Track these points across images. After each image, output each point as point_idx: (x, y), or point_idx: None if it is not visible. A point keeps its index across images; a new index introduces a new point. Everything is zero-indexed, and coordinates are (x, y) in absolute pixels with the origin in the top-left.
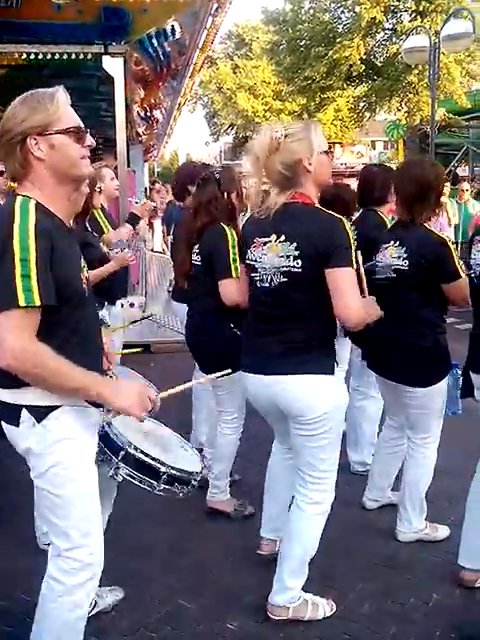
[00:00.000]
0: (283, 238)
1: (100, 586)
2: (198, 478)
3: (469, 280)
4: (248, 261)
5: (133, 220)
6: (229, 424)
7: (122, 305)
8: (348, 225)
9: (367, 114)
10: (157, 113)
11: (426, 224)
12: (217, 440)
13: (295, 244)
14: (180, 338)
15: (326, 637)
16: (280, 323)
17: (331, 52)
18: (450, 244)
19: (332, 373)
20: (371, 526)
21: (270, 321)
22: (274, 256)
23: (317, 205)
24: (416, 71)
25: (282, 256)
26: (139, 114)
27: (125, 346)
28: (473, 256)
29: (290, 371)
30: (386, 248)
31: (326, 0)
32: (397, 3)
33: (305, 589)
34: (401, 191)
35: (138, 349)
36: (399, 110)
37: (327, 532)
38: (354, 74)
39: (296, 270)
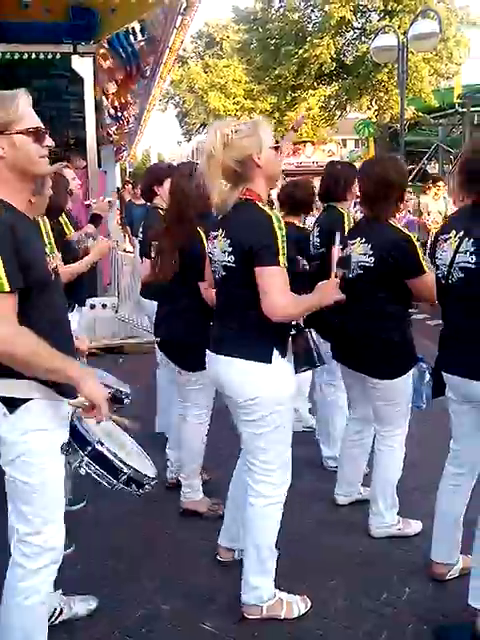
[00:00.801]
0: (224, 234)
1: (75, 593)
2: (152, 483)
3: (437, 280)
4: (208, 254)
5: (95, 221)
6: (196, 419)
7: (92, 306)
8: (279, 223)
9: (338, 112)
10: (128, 113)
11: (391, 220)
12: (183, 437)
13: (230, 240)
14: (151, 338)
15: (299, 634)
16: (226, 311)
17: (301, 51)
18: (414, 240)
19: (267, 362)
20: (344, 522)
21: (221, 308)
22: (219, 251)
23: (262, 202)
24: (385, 70)
25: (223, 251)
26: (110, 114)
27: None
28: (438, 256)
29: (227, 353)
30: (352, 245)
31: None
32: (366, 3)
33: (278, 586)
34: (363, 189)
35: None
36: (369, 108)
37: (300, 528)
38: (325, 73)
39: (231, 265)
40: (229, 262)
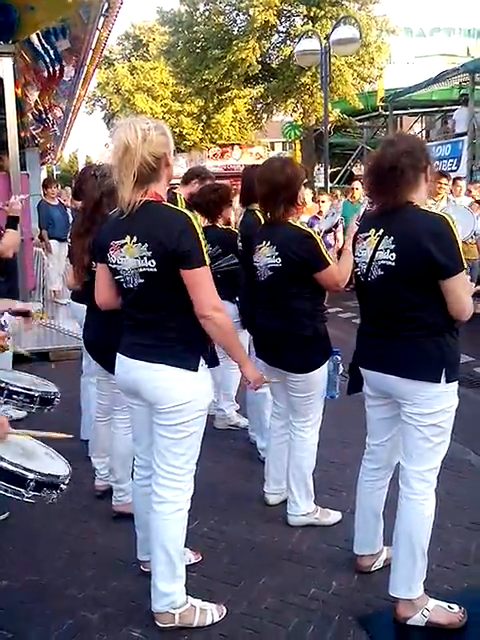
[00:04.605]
0: (136, 239)
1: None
2: (67, 481)
3: (355, 278)
4: (110, 265)
5: (12, 223)
6: (123, 423)
7: None
8: (197, 222)
9: (265, 115)
10: (52, 115)
11: (291, 220)
12: (113, 442)
13: (147, 245)
14: (79, 344)
15: (229, 634)
16: (146, 321)
17: (227, 54)
18: (315, 235)
19: (192, 369)
20: (274, 520)
21: (138, 319)
22: (131, 258)
23: (167, 203)
24: (310, 73)
25: (137, 257)
26: (34, 116)
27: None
28: (358, 254)
29: (151, 359)
30: (260, 248)
31: (221, 3)
32: (289, 8)
33: (208, 587)
34: (258, 192)
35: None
36: (295, 111)
37: (231, 527)
38: (250, 76)
39: (151, 270)
40: (149, 267)
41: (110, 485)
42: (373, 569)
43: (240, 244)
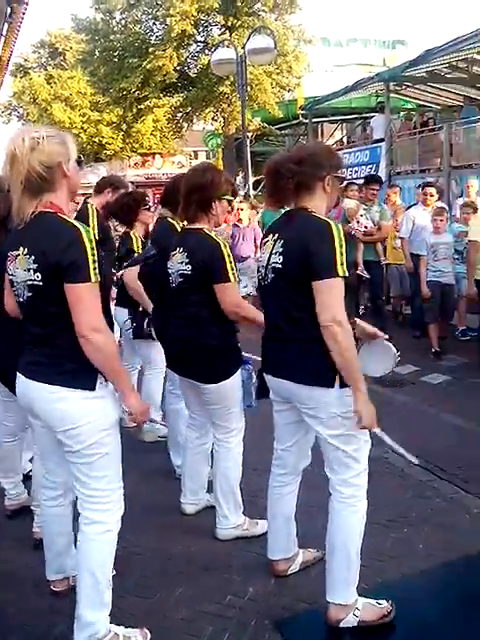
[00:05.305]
0: (26, 251)
1: None
2: None
3: (258, 283)
4: (9, 276)
5: None
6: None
7: None
8: (90, 237)
9: (185, 124)
10: None
11: (206, 228)
12: (33, 465)
13: (34, 257)
14: None
15: None
16: (38, 336)
17: (145, 63)
18: (226, 248)
19: (88, 388)
20: (192, 530)
21: (32, 334)
22: (22, 270)
23: (62, 215)
24: (228, 82)
25: (26, 270)
26: None
27: None
28: (259, 258)
29: (45, 380)
30: (173, 255)
31: (137, 11)
32: (207, 17)
33: (119, 605)
34: (178, 199)
35: None
36: (215, 120)
37: (148, 540)
38: (169, 84)
39: (37, 283)
40: (36, 280)
41: (22, 504)
42: (289, 573)
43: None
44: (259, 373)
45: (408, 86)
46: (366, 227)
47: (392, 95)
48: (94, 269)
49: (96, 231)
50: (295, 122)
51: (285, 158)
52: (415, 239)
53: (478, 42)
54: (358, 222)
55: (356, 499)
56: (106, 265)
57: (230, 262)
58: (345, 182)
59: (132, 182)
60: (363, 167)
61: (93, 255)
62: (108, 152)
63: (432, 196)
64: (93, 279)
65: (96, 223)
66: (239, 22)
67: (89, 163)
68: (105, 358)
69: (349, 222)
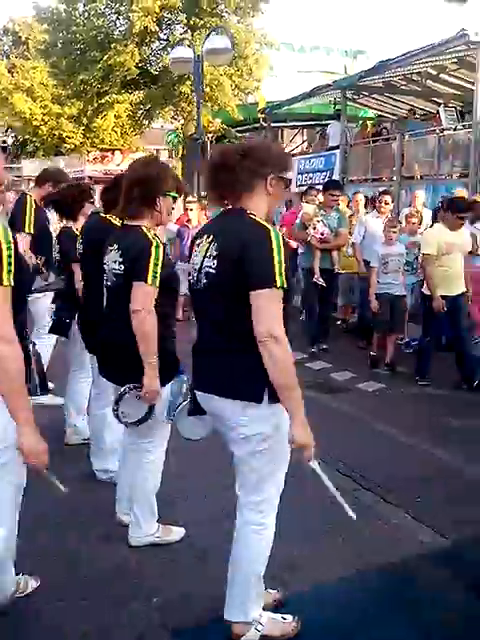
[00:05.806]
0: None
1: None
2: None
3: (189, 286)
4: None
5: None
6: None
7: None
8: (6, 235)
9: (146, 121)
10: None
11: (145, 226)
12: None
13: None
14: None
15: None
16: None
17: (106, 57)
18: (159, 248)
19: None
20: (111, 535)
21: None
22: None
23: None
24: (189, 82)
25: None
26: None
27: None
28: (192, 261)
29: None
30: (110, 251)
31: (100, 4)
32: (170, 15)
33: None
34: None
35: None
36: (175, 119)
37: (67, 544)
38: (130, 81)
39: None
40: None
41: None
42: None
43: (80, 247)
44: (192, 388)
45: (365, 95)
46: (323, 234)
47: (351, 104)
48: (8, 272)
49: (32, 224)
50: (256, 126)
51: (230, 149)
52: (366, 246)
53: (428, 57)
54: (314, 228)
55: (263, 527)
56: (26, 270)
57: (155, 264)
58: (306, 187)
59: (90, 177)
60: (318, 173)
61: (10, 257)
62: (68, 146)
63: (387, 204)
64: (5, 282)
65: (33, 216)
66: (202, 22)
67: (50, 157)
68: (4, 372)
69: (306, 227)
